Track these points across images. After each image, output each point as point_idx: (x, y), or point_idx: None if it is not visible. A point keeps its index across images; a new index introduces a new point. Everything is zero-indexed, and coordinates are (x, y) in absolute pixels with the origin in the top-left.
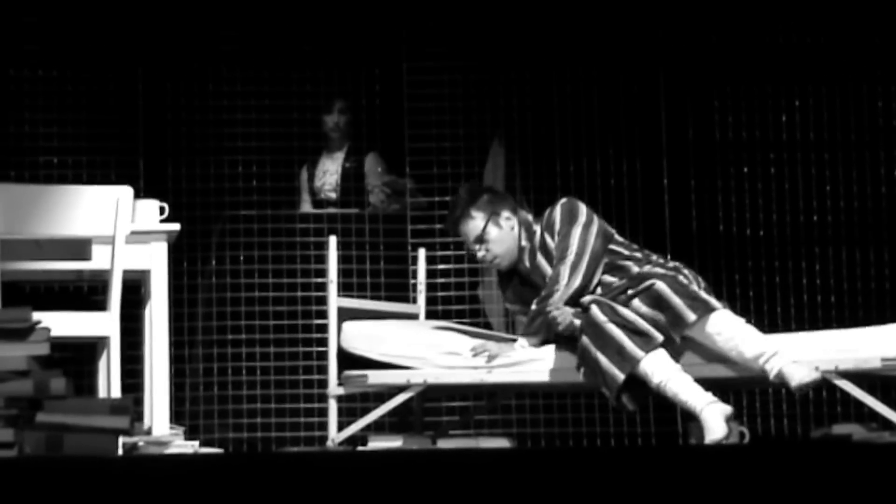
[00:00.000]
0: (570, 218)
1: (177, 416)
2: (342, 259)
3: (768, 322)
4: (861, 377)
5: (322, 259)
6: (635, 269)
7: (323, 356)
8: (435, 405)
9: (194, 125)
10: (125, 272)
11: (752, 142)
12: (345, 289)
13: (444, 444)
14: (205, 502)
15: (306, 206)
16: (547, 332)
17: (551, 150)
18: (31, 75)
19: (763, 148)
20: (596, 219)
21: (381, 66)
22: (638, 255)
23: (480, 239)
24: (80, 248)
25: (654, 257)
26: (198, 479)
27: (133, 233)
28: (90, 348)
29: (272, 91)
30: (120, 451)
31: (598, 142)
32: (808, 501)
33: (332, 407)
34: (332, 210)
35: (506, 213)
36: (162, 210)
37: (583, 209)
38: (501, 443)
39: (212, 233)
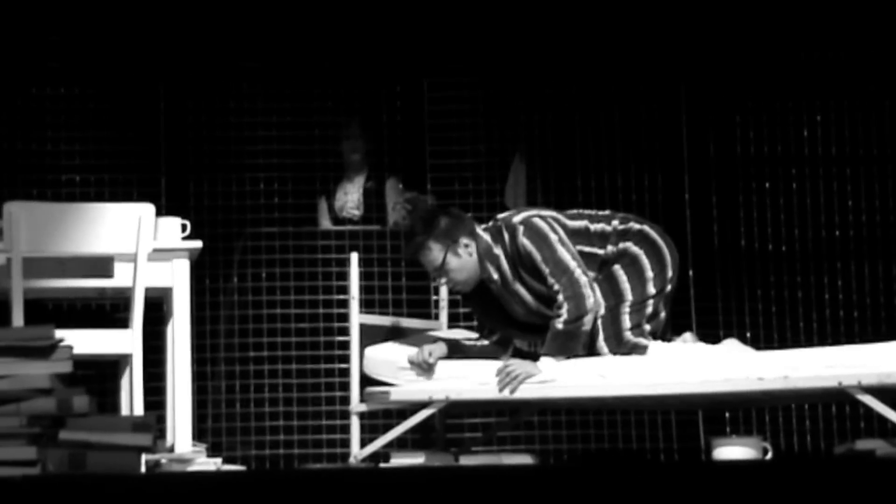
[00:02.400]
0: (542, 242)
1: (199, 434)
2: (364, 275)
3: (791, 337)
4: (884, 392)
5: (344, 276)
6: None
7: (345, 373)
8: (457, 422)
9: (216, 142)
10: (147, 290)
11: (774, 157)
12: (366, 305)
13: (466, 460)
14: None
15: (327, 224)
16: (569, 351)
17: (573, 165)
18: (53, 93)
19: (784, 163)
20: (555, 223)
21: (402, 82)
22: (588, 248)
23: (440, 270)
24: (102, 265)
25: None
26: (220, 496)
27: (155, 250)
28: (113, 366)
29: (293, 108)
30: (143, 469)
31: (619, 157)
32: None
33: (355, 423)
34: (353, 227)
35: (464, 240)
36: (184, 227)
37: (542, 226)
38: (524, 459)
39: (234, 250)
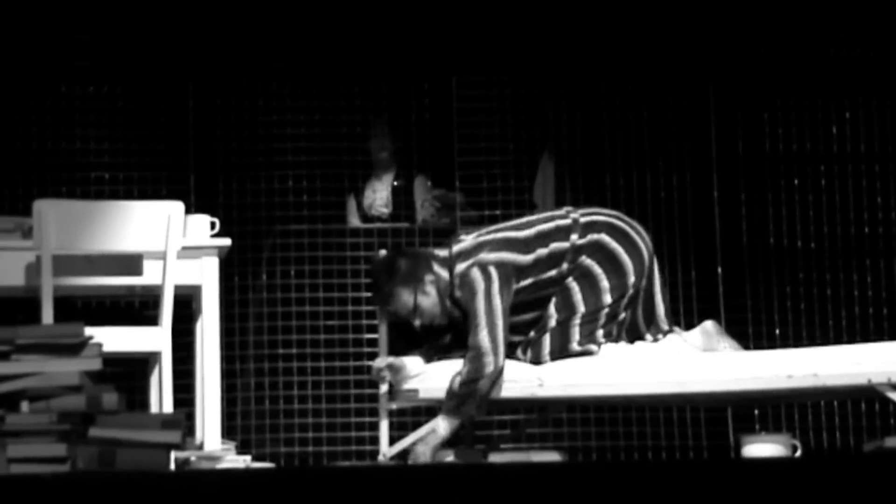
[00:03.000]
0: (470, 296)
1: (228, 431)
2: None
3: (820, 334)
4: None
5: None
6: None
7: None
8: (486, 419)
9: (244, 140)
10: (176, 287)
11: (802, 154)
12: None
13: (495, 457)
14: None
15: (356, 222)
16: (464, 414)
17: (601, 163)
18: (82, 92)
19: (813, 160)
20: (494, 270)
21: (431, 80)
22: (546, 274)
23: (413, 313)
24: (131, 263)
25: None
26: (249, 493)
27: (184, 248)
28: (142, 363)
29: (321, 106)
30: (172, 466)
31: (647, 155)
32: None
33: (384, 421)
34: (382, 224)
35: (428, 277)
36: (213, 225)
37: (475, 278)
38: (553, 456)
39: (262, 247)
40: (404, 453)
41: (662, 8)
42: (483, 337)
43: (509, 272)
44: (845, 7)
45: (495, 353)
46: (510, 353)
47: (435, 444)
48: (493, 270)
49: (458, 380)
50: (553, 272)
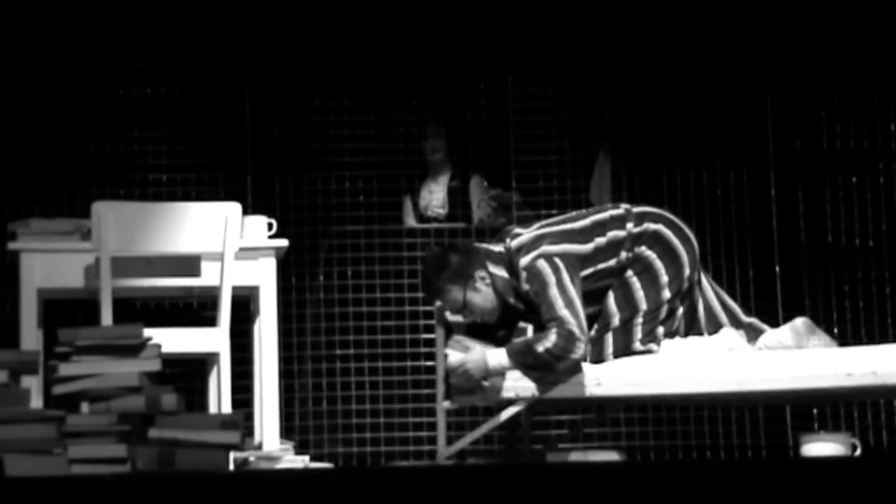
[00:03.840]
0: (541, 288)
1: (287, 431)
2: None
3: (879, 333)
4: None
5: None
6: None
7: (431, 370)
8: (543, 419)
9: (301, 141)
10: (234, 288)
11: (861, 151)
12: None
13: (553, 457)
14: None
15: (412, 222)
16: (526, 369)
17: (657, 162)
18: (139, 94)
19: (871, 157)
20: (560, 261)
21: (487, 79)
22: (605, 264)
23: (463, 309)
24: (189, 264)
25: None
26: (308, 493)
27: (242, 249)
28: (200, 364)
29: (378, 107)
30: (231, 466)
31: (704, 153)
32: None
33: (441, 421)
34: (438, 224)
35: (479, 273)
36: (270, 226)
37: (543, 269)
38: (611, 456)
39: (319, 248)
40: (462, 452)
41: (720, 6)
42: (571, 323)
43: (574, 262)
44: None
45: (586, 339)
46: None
47: (492, 368)
48: (559, 261)
49: (542, 346)
50: (612, 262)
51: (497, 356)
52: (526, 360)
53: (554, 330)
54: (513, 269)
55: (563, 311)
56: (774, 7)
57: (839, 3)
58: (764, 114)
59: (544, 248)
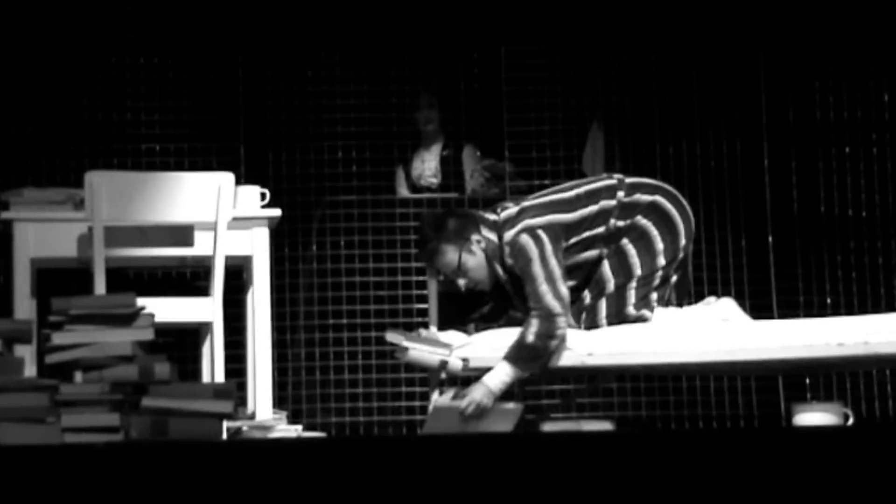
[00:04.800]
0: (525, 262)
1: (279, 401)
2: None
3: (871, 303)
4: None
5: None
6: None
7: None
8: (536, 388)
9: (294, 111)
10: (227, 258)
11: (854, 122)
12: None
13: (546, 427)
14: (308, 486)
15: (405, 192)
16: (529, 369)
17: (650, 133)
18: (132, 63)
19: (864, 128)
20: (544, 234)
21: (480, 50)
22: (593, 231)
23: (457, 272)
24: (182, 234)
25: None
26: (301, 462)
27: (235, 219)
28: (193, 334)
29: (370, 77)
30: (224, 435)
31: (697, 124)
32: None
33: (433, 391)
34: (431, 195)
35: (475, 237)
36: (263, 196)
37: (525, 241)
38: (603, 426)
39: (312, 218)
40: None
41: None
42: (549, 299)
43: (558, 232)
44: None
45: (565, 312)
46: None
47: (497, 389)
48: (542, 234)
49: (531, 335)
50: (601, 229)
51: (496, 374)
52: (523, 356)
53: (534, 313)
54: (501, 241)
55: (542, 287)
56: None
57: None
58: (757, 84)
59: (527, 221)
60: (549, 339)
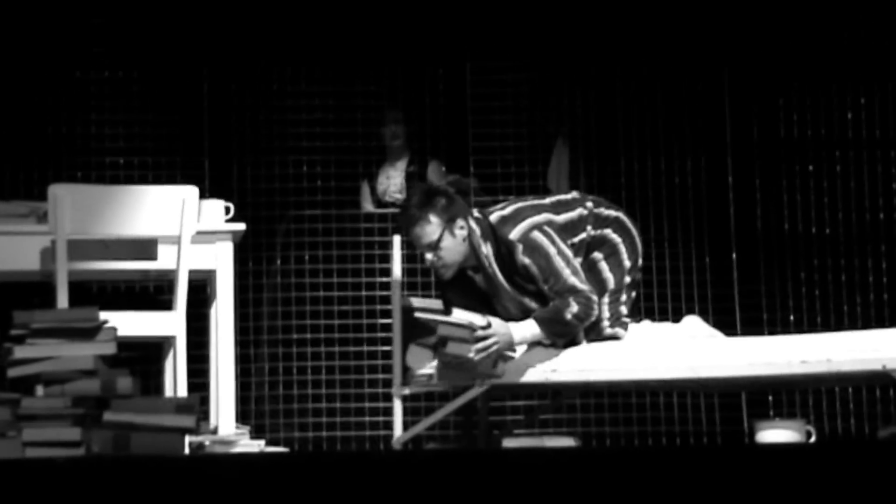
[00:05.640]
0: (543, 260)
1: (242, 416)
2: (406, 258)
3: (834, 320)
4: None
5: (386, 258)
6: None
7: (388, 355)
8: (500, 404)
9: (259, 125)
10: (191, 272)
11: (818, 139)
12: (409, 288)
13: (509, 443)
14: (270, 501)
15: (369, 207)
16: (557, 338)
17: (615, 148)
18: (97, 77)
19: (828, 146)
20: (550, 230)
21: (445, 65)
22: (576, 238)
23: (433, 246)
24: (146, 248)
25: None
26: (263, 478)
27: (199, 233)
28: (156, 348)
29: (336, 91)
30: (186, 450)
31: (662, 140)
32: (876, 501)
33: (397, 406)
34: (395, 209)
35: (460, 222)
36: (227, 210)
37: (541, 241)
38: (567, 442)
39: (277, 232)
40: (418, 438)
41: None
42: (581, 286)
43: (557, 230)
44: None
45: (597, 298)
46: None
47: (517, 343)
48: (548, 229)
49: (569, 314)
50: (583, 235)
51: (524, 328)
52: (555, 330)
53: (571, 298)
54: (499, 241)
55: (573, 279)
56: None
57: None
58: (722, 101)
59: (532, 218)
60: (583, 321)
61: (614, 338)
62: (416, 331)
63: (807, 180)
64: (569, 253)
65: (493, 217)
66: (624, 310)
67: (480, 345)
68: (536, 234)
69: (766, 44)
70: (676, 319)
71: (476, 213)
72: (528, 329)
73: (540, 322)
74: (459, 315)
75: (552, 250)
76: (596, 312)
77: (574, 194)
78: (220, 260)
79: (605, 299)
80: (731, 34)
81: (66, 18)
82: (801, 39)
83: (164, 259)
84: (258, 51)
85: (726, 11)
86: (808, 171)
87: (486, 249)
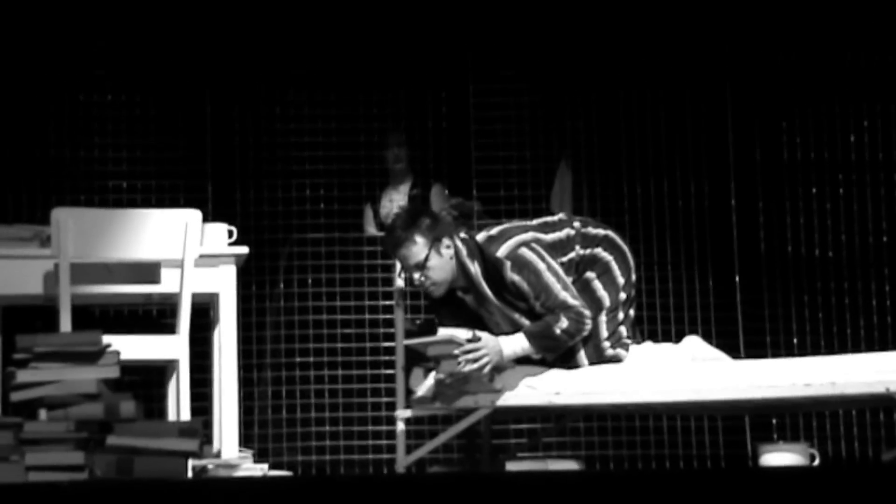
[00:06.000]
0: (533, 277)
1: (246, 439)
2: (409, 281)
3: (838, 343)
4: None
5: (389, 282)
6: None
7: (391, 378)
8: (503, 427)
9: (262, 148)
10: (194, 295)
11: (821, 162)
12: (412, 311)
13: (512, 466)
14: None
15: (372, 230)
16: (545, 352)
17: (618, 171)
18: (100, 100)
19: (832, 168)
20: (538, 247)
21: (448, 88)
22: (564, 258)
23: (421, 266)
24: (149, 271)
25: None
26: (267, 501)
27: (202, 256)
28: (159, 371)
29: (339, 114)
30: (189, 474)
31: (665, 163)
32: None
33: (400, 430)
34: None
35: (446, 242)
36: (230, 233)
37: (530, 257)
38: (570, 465)
39: (280, 255)
40: (421, 461)
41: (679, 16)
42: (573, 301)
43: (546, 248)
44: (862, 12)
45: (589, 313)
46: (542, 361)
47: (507, 357)
48: (536, 246)
49: (558, 329)
50: (572, 254)
51: (513, 342)
52: (545, 344)
53: (562, 314)
54: (486, 259)
55: (564, 294)
56: (735, 17)
57: (799, 13)
58: (724, 123)
59: (519, 236)
60: (573, 337)
61: (616, 359)
62: (419, 354)
63: (810, 202)
64: (558, 268)
65: (480, 237)
66: (624, 330)
67: (470, 356)
68: (524, 251)
69: (768, 65)
70: (679, 342)
71: (462, 233)
72: (517, 343)
73: (530, 336)
74: (444, 332)
75: (541, 266)
76: (588, 327)
77: (561, 216)
78: (224, 283)
79: (603, 318)
80: (733, 55)
81: (68, 41)
82: (803, 61)
83: (167, 283)
84: (261, 73)
85: (728, 32)
86: (811, 193)
87: (475, 268)
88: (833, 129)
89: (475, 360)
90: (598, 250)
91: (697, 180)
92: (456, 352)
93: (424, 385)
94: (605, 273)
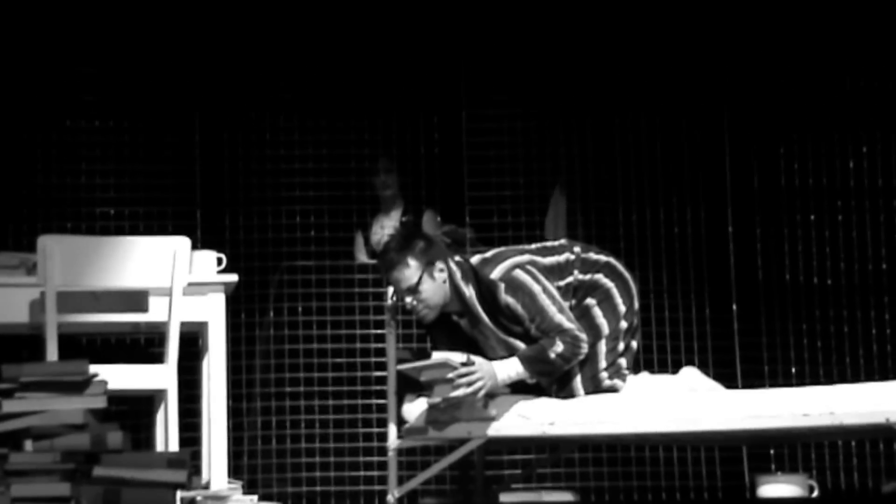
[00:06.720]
0: (528, 299)
1: (235, 470)
2: (401, 309)
3: (837, 373)
4: None
5: (380, 309)
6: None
7: (382, 408)
8: (496, 458)
9: (251, 175)
10: (182, 324)
11: (819, 189)
12: (404, 340)
13: (506, 498)
14: None
15: (363, 258)
16: (538, 376)
17: (613, 198)
18: (87, 126)
19: (829, 195)
20: (533, 269)
21: (441, 113)
22: (562, 282)
23: (413, 290)
24: (137, 300)
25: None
26: None
27: (190, 284)
28: (147, 401)
29: (329, 140)
30: None
31: (661, 189)
32: None
33: (392, 460)
34: None
35: (440, 265)
36: (219, 261)
37: (524, 280)
38: (565, 497)
39: (269, 283)
40: (413, 492)
41: (676, 42)
42: (568, 324)
43: (542, 270)
44: (861, 39)
45: (585, 336)
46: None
47: (501, 382)
48: (531, 268)
49: (553, 353)
50: (570, 279)
51: (507, 366)
52: (538, 368)
53: (557, 337)
54: (480, 282)
55: (559, 317)
56: (732, 43)
57: (797, 39)
58: (722, 150)
59: (513, 258)
60: (568, 361)
61: (612, 389)
62: (411, 383)
63: (808, 230)
64: (554, 291)
65: (474, 259)
66: (624, 362)
67: (464, 379)
68: (519, 273)
69: (766, 92)
70: (676, 371)
71: (457, 256)
72: (512, 367)
73: (524, 360)
74: (438, 356)
75: (536, 288)
76: (584, 351)
77: (562, 241)
78: (213, 312)
79: (602, 346)
80: (730, 82)
81: (55, 67)
82: (801, 88)
83: (156, 311)
84: (250, 99)
85: (726, 59)
86: (809, 220)
87: (469, 291)
88: (831, 155)
89: (469, 384)
90: (599, 276)
91: (694, 207)
92: (450, 375)
93: (417, 411)
94: (605, 300)
